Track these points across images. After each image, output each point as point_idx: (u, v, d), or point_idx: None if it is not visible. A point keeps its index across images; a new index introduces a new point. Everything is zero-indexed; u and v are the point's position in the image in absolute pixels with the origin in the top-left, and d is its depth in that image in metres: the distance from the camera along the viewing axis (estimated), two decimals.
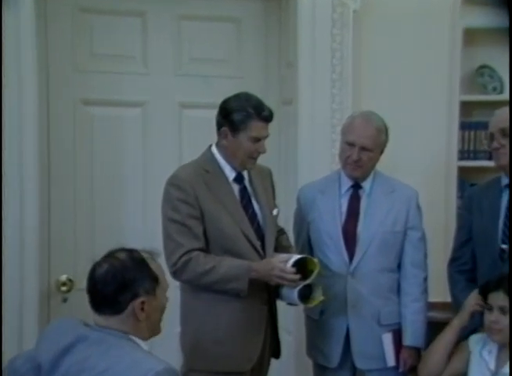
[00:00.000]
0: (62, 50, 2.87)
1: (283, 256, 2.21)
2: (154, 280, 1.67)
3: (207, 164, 2.27)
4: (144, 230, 2.94)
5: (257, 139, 2.22)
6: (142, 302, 1.64)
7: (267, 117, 2.21)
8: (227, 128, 2.22)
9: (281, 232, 2.50)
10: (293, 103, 2.97)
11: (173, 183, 2.22)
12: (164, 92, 3.01)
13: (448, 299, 2.53)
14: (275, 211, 2.37)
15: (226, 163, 2.27)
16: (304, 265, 2.19)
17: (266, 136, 2.25)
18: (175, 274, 2.18)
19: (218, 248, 2.21)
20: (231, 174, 2.28)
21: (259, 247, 2.26)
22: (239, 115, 2.18)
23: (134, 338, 1.65)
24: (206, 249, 2.20)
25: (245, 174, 2.32)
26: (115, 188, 2.97)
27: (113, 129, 2.96)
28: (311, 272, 2.19)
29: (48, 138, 2.85)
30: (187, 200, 2.17)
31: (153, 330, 1.72)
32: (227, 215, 2.21)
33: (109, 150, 2.95)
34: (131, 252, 1.69)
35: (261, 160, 2.36)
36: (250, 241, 2.23)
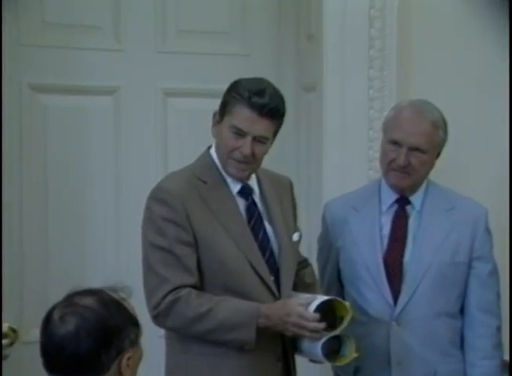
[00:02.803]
0: (2, 17, 2.86)
1: (305, 297, 2.23)
2: (137, 326, 1.70)
3: (203, 172, 2.28)
4: (115, 261, 2.98)
5: (239, 132, 2.20)
6: (128, 358, 1.67)
7: (258, 106, 2.17)
8: (218, 110, 2.26)
9: (304, 264, 2.51)
10: (317, 90, 3.00)
11: (157, 198, 2.23)
12: (143, 75, 3.05)
13: None
14: (295, 236, 2.39)
15: None
16: (331, 309, 2.21)
17: (255, 134, 2.19)
18: (157, 319, 2.20)
19: (216, 285, 2.22)
20: (235, 185, 2.29)
21: (272, 285, 2.27)
22: (230, 95, 2.22)
23: None
24: (200, 286, 2.22)
25: (254, 184, 2.34)
26: (76, 203, 2.99)
27: (74, 125, 2.98)
28: (341, 319, 2.20)
29: None
30: (176, 220, 2.19)
31: None
32: (230, 240, 2.22)
33: (68, 152, 2.98)
34: (97, 294, 1.70)
35: (274, 166, 2.38)
36: (260, 276, 2.24)
